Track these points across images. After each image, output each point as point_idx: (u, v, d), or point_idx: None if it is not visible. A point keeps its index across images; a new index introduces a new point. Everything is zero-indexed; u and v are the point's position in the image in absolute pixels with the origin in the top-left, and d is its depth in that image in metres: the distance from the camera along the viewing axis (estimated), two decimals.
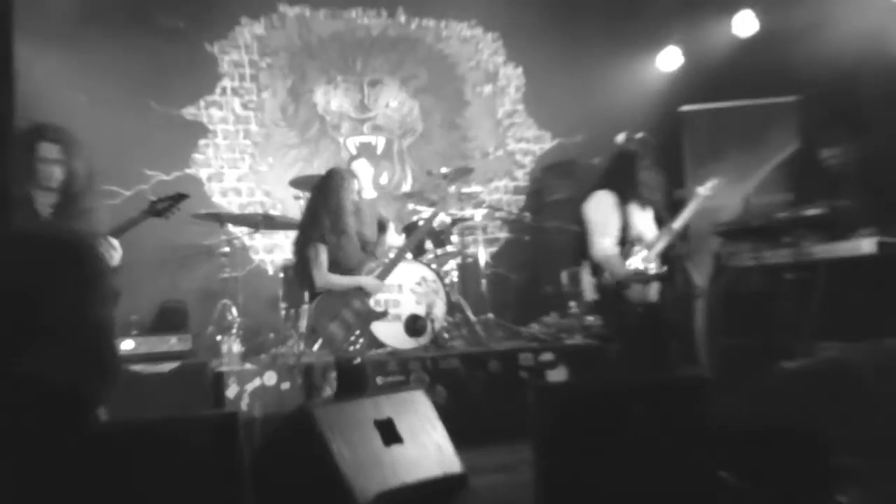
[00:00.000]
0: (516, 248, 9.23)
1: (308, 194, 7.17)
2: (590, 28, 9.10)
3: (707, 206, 5.66)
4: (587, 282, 5.63)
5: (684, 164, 8.49)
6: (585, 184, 6.14)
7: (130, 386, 6.17)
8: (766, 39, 8.29)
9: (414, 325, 6.85)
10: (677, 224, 5.61)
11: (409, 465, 3.35)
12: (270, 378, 6.32)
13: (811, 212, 5.77)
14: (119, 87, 7.67)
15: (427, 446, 3.49)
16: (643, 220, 5.64)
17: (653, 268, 5.49)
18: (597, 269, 5.55)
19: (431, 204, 7.83)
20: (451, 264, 7.80)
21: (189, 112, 8.39)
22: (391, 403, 3.55)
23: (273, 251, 8.43)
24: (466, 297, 7.73)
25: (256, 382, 6.29)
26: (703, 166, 8.41)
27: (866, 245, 5.89)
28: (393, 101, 9.13)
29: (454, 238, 7.73)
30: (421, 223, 7.16)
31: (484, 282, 7.95)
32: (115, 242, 4.63)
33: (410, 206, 8.06)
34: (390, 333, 6.77)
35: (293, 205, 7.71)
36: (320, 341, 6.11)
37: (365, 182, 7.73)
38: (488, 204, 8.55)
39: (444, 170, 8.03)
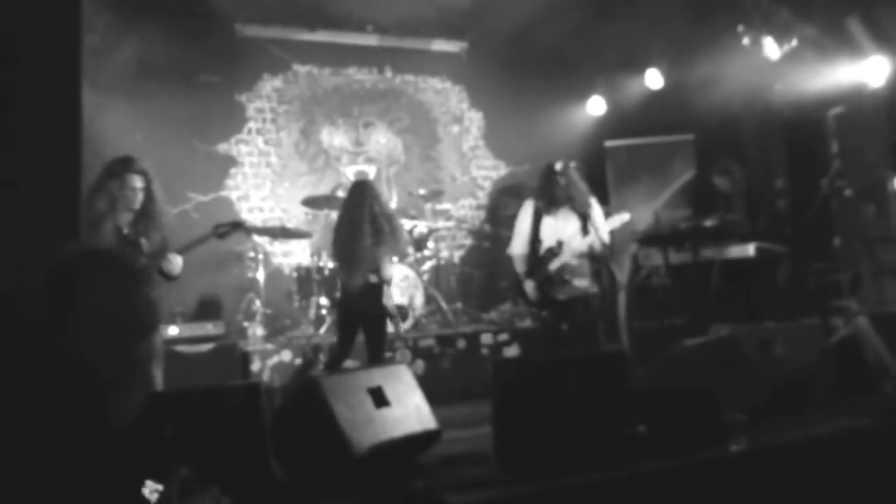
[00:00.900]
0: (478, 252, 9.22)
1: (316, 210, 7.16)
2: (534, 82, 9.13)
3: (627, 220, 5.58)
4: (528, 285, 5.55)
5: (607, 186, 8.51)
6: None
7: (176, 363, 6.11)
8: (670, 90, 8.35)
9: (399, 313, 6.83)
10: (585, 242, 5.38)
11: (396, 422, 3.30)
12: (286, 355, 6.26)
13: (707, 223, 5.78)
14: (167, 129, 7.62)
15: (409, 408, 3.45)
16: (569, 228, 5.45)
17: (575, 270, 5.37)
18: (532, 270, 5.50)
19: (412, 218, 7.80)
20: (428, 265, 7.78)
21: (222, 147, 8.31)
22: (381, 374, 3.50)
23: (289, 256, 8.36)
24: (440, 290, 7.72)
25: (275, 359, 6.24)
26: (622, 188, 8.46)
27: (748, 249, 5.93)
28: (382, 139, 9.09)
29: (430, 244, 7.72)
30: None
31: (453, 278, 7.93)
32: (178, 259, 4.55)
33: None
34: None
35: (303, 219, 7.66)
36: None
37: None
38: (456, 218, 8.52)
39: (421, 191, 8.04)
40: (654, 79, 8.50)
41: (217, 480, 2.23)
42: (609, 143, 8.77)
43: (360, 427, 3.12)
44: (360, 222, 5.26)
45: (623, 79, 8.85)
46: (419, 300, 7.02)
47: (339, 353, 5.47)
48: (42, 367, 1.85)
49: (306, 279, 7.16)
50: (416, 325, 6.93)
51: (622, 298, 7.72)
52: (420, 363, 6.56)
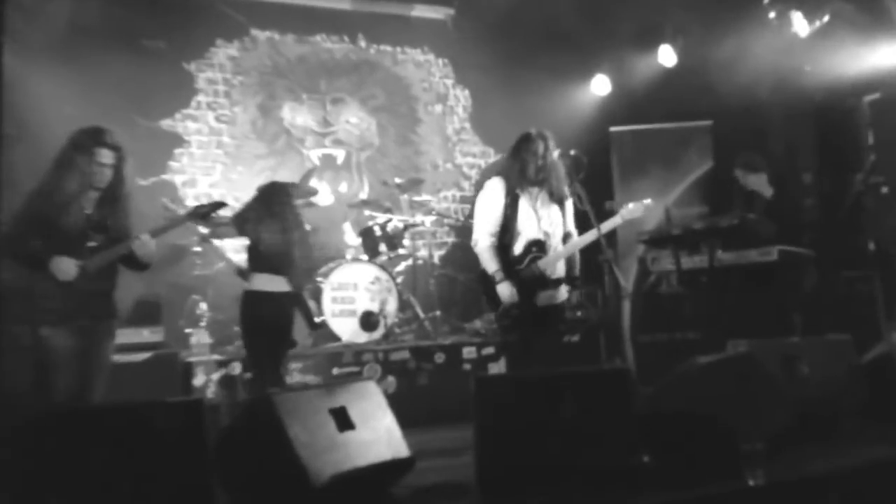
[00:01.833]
0: (462, 252, 9.19)
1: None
2: (529, 56, 9.13)
3: (632, 218, 5.30)
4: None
5: (612, 178, 8.52)
6: None
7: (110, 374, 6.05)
8: (685, 70, 8.38)
9: (368, 321, 6.82)
10: (587, 238, 4.96)
11: (361, 449, 3.27)
12: (235, 368, 6.21)
13: (724, 223, 5.78)
14: (103, 100, 7.46)
15: (378, 432, 3.42)
16: (553, 216, 5.04)
17: (557, 271, 4.99)
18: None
19: (386, 210, 7.77)
20: (403, 265, 7.76)
21: (166, 123, 8.25)
22: (345, 392, 3.47)
23: (241, 252, 8.27)
24: (416, 296, 7.70)
25: (223, 372, 6.18)
26: (629, 181, 8.48)
27: (770, 253, 5.96)
28: (353, 118, 9.05)
29: (406, 242, 7.69)
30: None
31: (432, 282, 7.90)
32: (153, 242, 4.49)
33: (367, 212, 7.98)
34: (346, 328, 6.71)
35: None
36: None
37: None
38: (437, 212, 8.50)
39: (397, 180, 8.01)
40: (667, 56, 8.53)
41: None
42: (615, 129, 8.78)
43: (319, 453, 3.09)
44: (288, 225, 5.34)
45: (632, 56, 8.88)
46: (392, 306, 6.99)
47: (261, 366, 5.37)
48: None
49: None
50: (387, 336, 6.90)
51: (626, 307, 7.74)
52: (392, 380, 6.53)
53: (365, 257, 7.23)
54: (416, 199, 8.33)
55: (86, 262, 4.28)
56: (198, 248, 7.33)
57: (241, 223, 5.30)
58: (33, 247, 4.24)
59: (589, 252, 5.22)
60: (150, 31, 8.06)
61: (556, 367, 4.55)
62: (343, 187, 8.86)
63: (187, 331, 6.93)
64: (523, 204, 4.97)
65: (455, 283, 8.76)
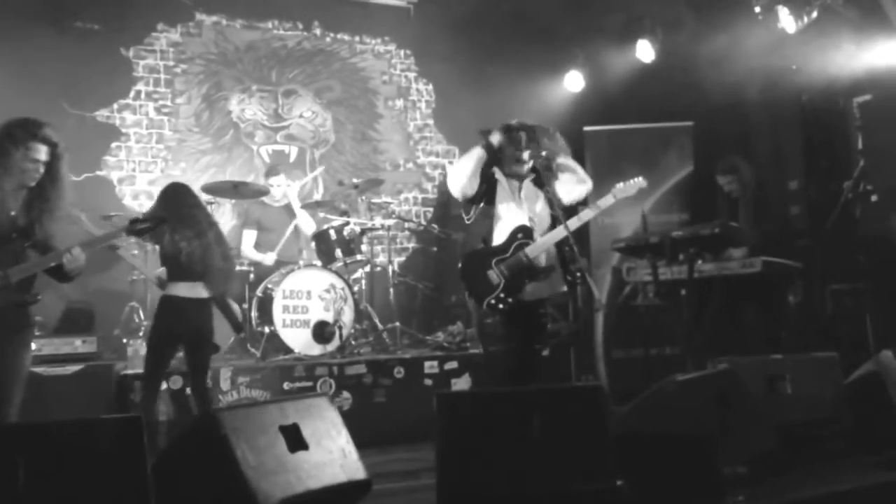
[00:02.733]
0: (423, 258, 9.22)
1: (218, 200, 7.10)
2: (497, 49, 9.22)
3: (607, 223, 5.43)
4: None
5: None
6: None
7: (33, 387, 5.95)
8: (664, 67, 8.47)
9: (322, 332, 6.79)
10: (573, 222, 4.94)
11: (314, 470, 3.27)
12: (176, 382, 6.16)
13: (705, 231, 5.84)
14: (31, 87, 7.46)
15: (332, 452, 3.42)
16: (538, 203, 5.05)
17: (541, 260, 4.90)
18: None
19: (342, 213, 7.77)
20: (360, 272, 7.75)
21: (101, 114, 8.17)
22: (297, 409, 3.47)
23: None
24: (374, 305, 7.69)
25: (162, 386, 6.11)
26: (603, 184, 8.53)
27: (754, 264, 6.04)
28: (307, 112, 9.04)
29: (363, 247, 7.68)
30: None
31: (391, 290, 7.90)
32: (83, 255, 4.42)
33: (321, 214, 7.97)
34: (298, 339, 6.68)
35: None
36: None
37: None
38: (397, 215, 8.51)
39: (354, 180, 8.00)
40: (645, 52, 8.62)
41: None
42: (589, 129, 8.85)
43: (269, 475, 3.08)
44: (203, 227, 5.32)
45: (608, 51, 8.95)
46: (348, 316, 6.98)
47: (154, 378, 5.36)
48: None
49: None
50: (343, 348, 6.89)
51: (599, 320, 7.80)
52: (347, 396, 6.52)
53: (319, 263, 7.21)
54: (375, 200, 8.33)
55: (8, 271, 4.20)
56: (135, 252, 7.26)
57: (154, 232, 5.20)
58: None
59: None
60: (83, 11, 7.98)
61: (531, 382, 4.59)
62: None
63: (124, 341, 6.87)
64: (503, 187, 4.97)
65: (416, 292, 8.77)
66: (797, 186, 8.19)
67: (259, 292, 6.97)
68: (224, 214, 8.28)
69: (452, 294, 8.58)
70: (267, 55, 8.95)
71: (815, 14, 7.26)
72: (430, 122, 9.66)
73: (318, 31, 9.23)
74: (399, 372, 6.74)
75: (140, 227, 4.71)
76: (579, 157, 8.62)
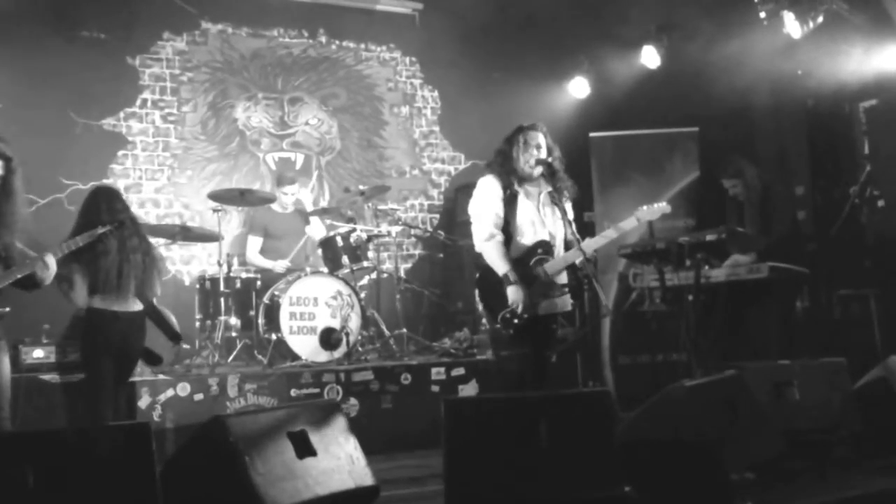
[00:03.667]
0: (430, 265, 9.23)
1: (225, 207, 7.12)
2: (503, 56, 9.26)
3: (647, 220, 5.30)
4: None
5: (592, 187, 8.57)
6: None
7: (41, 395, 5.98)
8: (670, 73, 8.47)
9: (329, 339, 6.79)
10: (593, 242, 4.93)
11: (322, 477, 3.28)
12: (184, 389, 6.16)
13: (711, 236, 5.84)
14: (38, 96, 7.52)
15: (340, 458, 3.43)
16: (556, 218, 4.98)
17: (559, 278, 4.89)
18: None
19: (348, 220, 7.78)
20: (367, 279, 7.75)
21: (108, 123, 8.19)
22: (305, 415, 3.48)
23: (190, 262, 8.26)
24: (380, 312, 7.69)
25: (170, 393, 6.12)
26: (609, 190, 8.55)
27: (761, 270, 6.03)
28: (312, 119, 9.06)
29: (370, 254, 7.69)
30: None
31: (398, 297, 7.91)
32: (53, 263, 4.42)
33: (328, 221, 7.98)
34: (305, 346, 6.69)
35: (211, 217, 7.55)
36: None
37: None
38: (404, 221, 8.52)
39: (361, 187, 8.01)
40: (650, 58, 8.63)
41: None
42: (595, 135, 8.85)
43: (277, 482, 3.09)
44: (125, 237, 5.05)
45: (613, 56, 8.95)
46: (355, 323, 6.98)
47: (98, 396, 5.25)
48: None
49: (212, 293, 7.07)
50: (350, 355, 6.89)
51: (606, 326, 7.80)
52: (354, 402, 6.51)
53: (325, 270, 7.22)
54: (381, 207, 8.36)
55: None
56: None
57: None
58: None
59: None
60: (90, 20, 8.03)
61: (540, 388, 4.57)
62: (304, 194, 8.85)
63: None
64: (523, 202, 4.92)
65: (422, 299, 8.78)
66: (803, 192, 8.18)
67: (266, 299, 6.98)
68: (231, 222, 8.30)
69: (459, 300, 8.59)
70: (272, 63, 8.97)
71: (820, 19, 7.26)
72: (436, 128, 9.67)
73: (323, 39, 9.26)
74: (406, 378, 6.74)
75: (101, 231, 4.71)
76: (585, 163, 8.69)
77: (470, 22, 9.02)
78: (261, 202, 7.56)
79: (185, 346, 7.02)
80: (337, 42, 9.33)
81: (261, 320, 6.96)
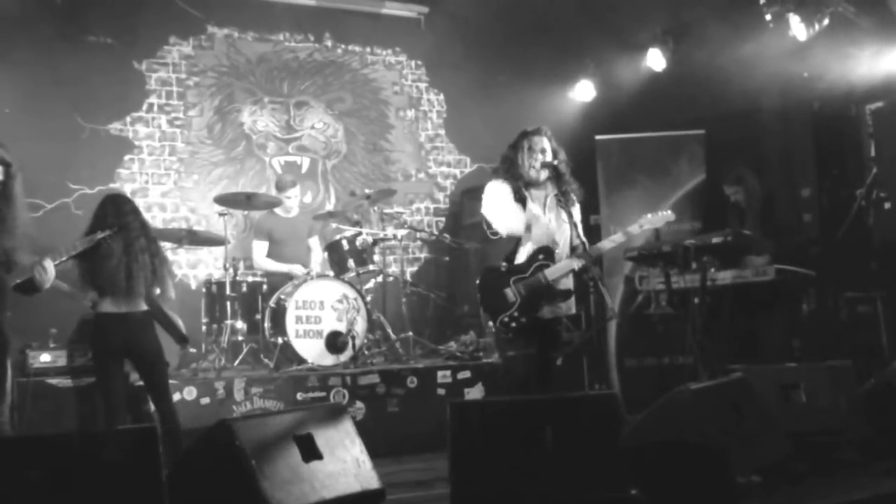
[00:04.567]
0: (436, 268, 9.23)
1: (230, 211, 7.13)
2: (508, 59, 9.27)
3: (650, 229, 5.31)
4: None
5: (598, 190, 8.57)
6: None
7: (48, 399, 6.00)
8: (675, 75, 8.47)
9: (335, 342, 6.80)
10: (612, 241, 5.05)
11: (328, 480, 3.28)
12: (190, 393, 6.18)
13: (716, 239, 5.84)
14: (45, 101, 7.56)
15: (346, 462, 3.43)
16: (562, 221, 4.98)
17: (559, 284, 4.89)
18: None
19: (354, 223, 7.78)
20: (373, 283, 7.76)
21: (115, 127, 8.21)
22: (311, 419, 3.48)
23: (197, 266, 8.28)
24: (386, 315, 7.69)
25: (176, 397, 6.13)
26: (615, 193, 8.54)
27: (767, 273, 6.03)
28: (318, 123, 9.07)
29: (376, 257, 7.69)
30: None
31: (404, 300, 7.91)
32: (52, 268, 4.45)
33: (333, 224, 7.99)
34: (311, 349, 6.70)
35: (217, 221, 7.56)
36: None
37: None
38: (409, 225, 8.53)
39: (367, 191, 8.02)
40: (656, 60, 8.63)
41: None
42: (600, 138, 8.84)
43: (283, 485, 3.10)
44: (132, 240, 5.09)
45: (618, 59, 8.96)
46: (361, 326, 6.99)
47: (114, 402, 5.24)
48: None
49: (218, 297, 7.08)
50: (356, 358, 6.89)
51: (612, 329, 7.80)
52: (360, 405, 6.52)
53: (331, 273, 7.23)
54: (387, 211, 8.35)
55: None
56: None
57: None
58: None
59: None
60: (96, 25, 8.06)
61: (546, 392, 4.57)
62: (308, 197, 8.86)
63: None
64: (530, 206, 4.95)
65: (428, 302, 8.77)
66: (809, 194, 8.16)
67: (272, 303, 6.98)
68: (237, 226, 8.32)
69: (465, 304, 8.58)
70: (278, 67, 8.99)
71: (826, 21, 7.25)
72: (442, 132, 9.68)
73: (329, 43, 9.27)
74: (412, 381, 6.75)
75: (101, 236, 4.72)
76: (591, 167, 8.68)
77: (475, 25, 9.05)
78: (267, 206, 7.58)
79: (192, 349, 7.05)
80: (343, 46, 9.34)
81: (267, 324, 6.97)
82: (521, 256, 4.94)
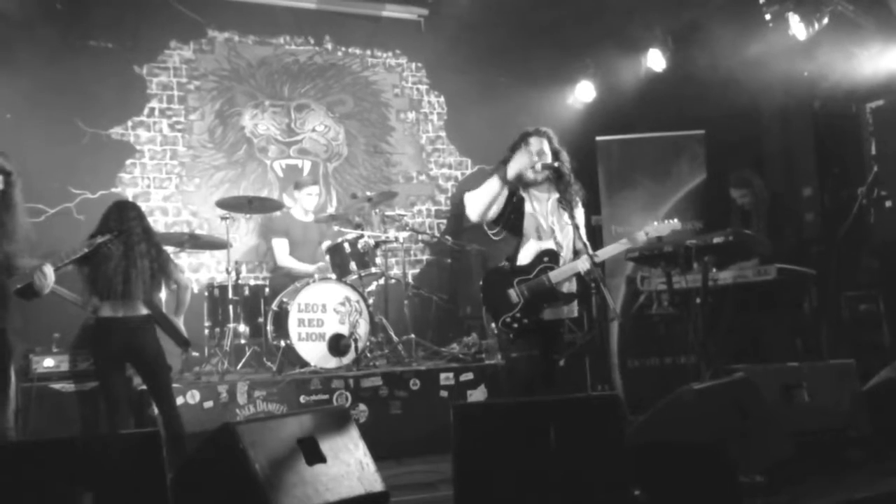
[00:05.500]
0: (437, 271, 9.23)
1: (233, 215, 7.13)
2: (508, 61, 9.27)
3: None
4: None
5: (599, 191, 8.57)
6: None
7: (52, 403, 6.00)
8: (675, 75, 8.48)
9: (337, 345, 6.80)
10: (616, 247, 5.10)
11: (332, 483, 3.29)
12: (193, 396, 6.19)
13: (718, 239, 5.84)
14: (46, 106, 7.57)
15: (349, 465, 3.44)
16: (565, 224, 4.97)
17: (563, 287, 4.90)
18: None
19: (356, 226, 7.78)
20: (375, 285, 7.76)
21: (116, 132, 8.22)
22: (314, 422, 3.48)
23: (199, 270, 8.28)
24: (389, 318, 7.70)
25: (179, 401, 6.13)
26: (616, 194, 8.55)
27: (768, 272, 6.03)
28: (319, 126, 9.08)
29: (378, 259, 7.69)
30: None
31: (406, 302, 7.91)
32: (52, 273, 4.46)
33: (335, 227, 7.99)
34: (314, 352, 6.70)
35: (219, 225, 7.57)
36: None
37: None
38: (411, 227, 8.53)
39: (368, 193, 8.02)
40: (656, 61, 8.63)
41: None
42: (601, 139, 8.85)
43: (287, 488, 3.10)
44: (132, 244, 5.16)
45: (618, 60, 8.96)
46: (363, 329, 6.99)
47: (115, 405, 5.23)
48: None
49: (221, 300, 7.09)
50: (358, 361, 6.90)
51: (615, 330, 7.79)
52: (363, 408, 6.53)
53: (333, 276, 7.24)
54: (389, 213, 8.35)
55: None
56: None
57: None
58: None
59: None
60: (97, 30, 8.07)
61: (549, 393, 4.57)
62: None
63: None
64: (530, 209, 4.95)
65: (430, 304, 8.77)
66: (810, 193, 8.16)
67: (274, 306, 6.99)
68: (238, 230, 8.32)
69: (467, 305, 8.59)
70: (279, 70, 9.00)
71: (825, 20, 7.25)
72: (443, 133, 9.69)
73: (329, 46, 9.28)
74: (415, 384, 6.75)
75: (98, 242, 4.73)
76: (592, 168, 8.68)
77: (475, 27, 9.04)
78: (268, 209, 7.59)
79: (195, 353, 7.06)
80: (343, 49, 9.35)
81: (269, 327, 6.97)
82: (524, 258, 4.94)
